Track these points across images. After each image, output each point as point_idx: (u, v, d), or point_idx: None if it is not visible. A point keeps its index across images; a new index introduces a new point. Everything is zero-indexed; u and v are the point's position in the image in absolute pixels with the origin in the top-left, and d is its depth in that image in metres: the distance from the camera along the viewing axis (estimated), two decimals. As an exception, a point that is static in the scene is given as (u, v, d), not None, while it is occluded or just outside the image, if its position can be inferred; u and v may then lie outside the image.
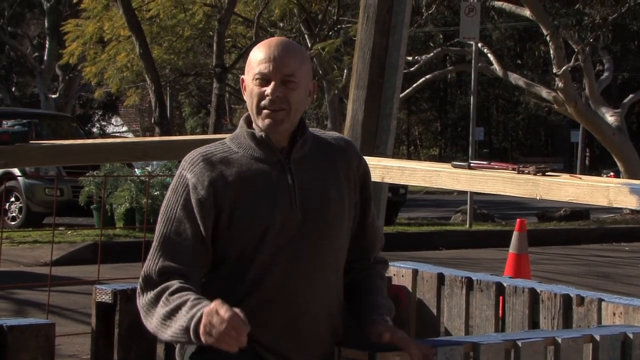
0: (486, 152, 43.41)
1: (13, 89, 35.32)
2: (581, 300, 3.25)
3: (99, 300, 3.29)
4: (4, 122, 4.55)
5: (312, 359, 2.77)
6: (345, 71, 21.30)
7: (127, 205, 12.68)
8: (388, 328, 2.74)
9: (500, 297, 3.46)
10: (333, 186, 2.83)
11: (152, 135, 24.29)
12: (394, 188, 15.48)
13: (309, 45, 19.94)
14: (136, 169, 14.85)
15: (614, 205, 3.48)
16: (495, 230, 14.98)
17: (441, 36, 35.61)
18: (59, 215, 14.64)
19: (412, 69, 20.90)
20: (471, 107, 16.83)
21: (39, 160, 4.94)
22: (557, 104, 19.57)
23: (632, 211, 18.24)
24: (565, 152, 45.87)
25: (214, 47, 17.70)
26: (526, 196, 3.75)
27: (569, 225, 16.33)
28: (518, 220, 8.32)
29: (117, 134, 41.76)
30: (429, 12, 20.86)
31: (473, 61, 16.78)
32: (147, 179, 12.11)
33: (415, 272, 3.72)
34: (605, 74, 22.94)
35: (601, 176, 12.24)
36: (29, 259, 10.37)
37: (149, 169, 14.22)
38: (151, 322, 2.69)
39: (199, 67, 25.69)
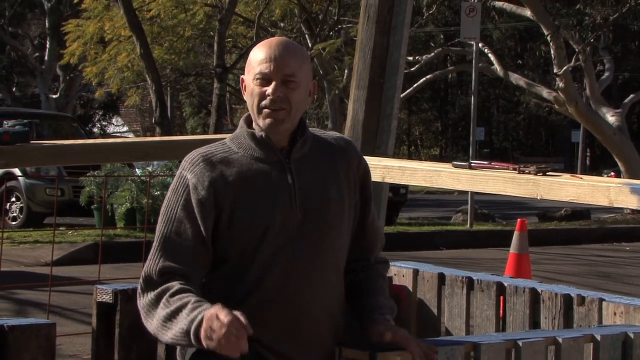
0: (487, 152, 43.47)
1: (14, 89, 35.32)
2: (582, 300, 3.25)
3: (100, 300, 3.29)
4: (4, 122, 4.54)
5: (313, 359, 2.77)
6: (345, 71, 21.29)
7: (128, 205, 12.68)
8: (389, 327, 2.74)
9: (501, 297, 3.46)
10: (333, 186, 2.82)
11: (153, 135, 24.33)
12: (395, 188, 15.49)
13: (310, 45, 19.93)
14: (137, 169, 14.85)
15: (615, 205, 3.48)
16: (496, 230, 14.97)
17: (442, 36, 35.63)
18: (59, 215, 14.65)
19: (412, 69, 20.89)
20: (472, 107, 16.82)
21: (39, 160, 4.93)
22: (557, 104, 19.57)
23: (633, 211, 18.23)
24: (566, 152, 45.87)
25: (215, 47, 17.69)
26: (527, 196, 3.74)
27: (569, 225, 16.32)
28: (519, 220, 8.31)
29: (117, 134, 41.74)
30: (430, 12, 20.86)
31: (474, 61, 16.77)
32: (147, 179, 12.10)
33: (415, 272, 3.72)
34: (606, 74, 22.93)
35: (602, 176, 12.24)
36: (30, 259, 10.37)
37: (149, 169, 14.21)
38: (152, 323, 2.68)
39: (200, 67, 25.70)
